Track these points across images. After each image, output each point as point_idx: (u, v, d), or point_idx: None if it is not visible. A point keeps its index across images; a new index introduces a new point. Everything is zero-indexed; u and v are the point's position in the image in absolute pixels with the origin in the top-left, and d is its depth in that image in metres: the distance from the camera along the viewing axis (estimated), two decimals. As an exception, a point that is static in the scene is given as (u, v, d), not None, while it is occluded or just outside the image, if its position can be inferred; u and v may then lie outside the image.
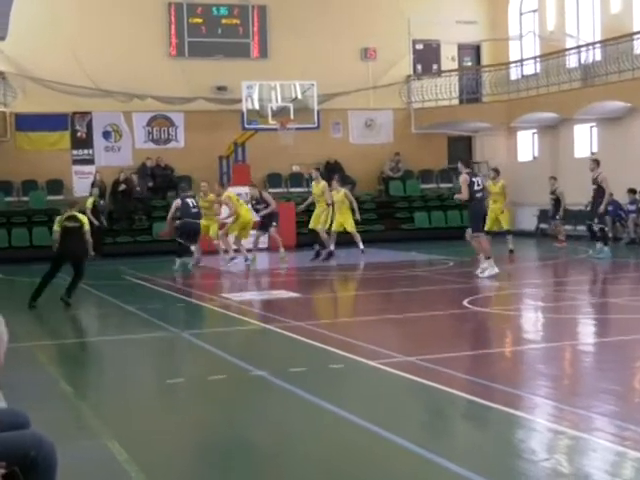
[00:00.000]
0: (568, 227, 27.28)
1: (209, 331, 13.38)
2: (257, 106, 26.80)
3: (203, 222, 22.70)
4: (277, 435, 7.39)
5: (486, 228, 21.68)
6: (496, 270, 18.59)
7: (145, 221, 29.20)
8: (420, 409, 8.45)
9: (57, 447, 4.86)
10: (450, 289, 17.58)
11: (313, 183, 24.78)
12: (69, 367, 11.08)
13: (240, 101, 27.42)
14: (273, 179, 31.54)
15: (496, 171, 24.07)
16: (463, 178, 18.92)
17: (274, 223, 23.57)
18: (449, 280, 18.57)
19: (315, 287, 19.71)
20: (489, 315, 14.13)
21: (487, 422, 7.71)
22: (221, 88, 31.02)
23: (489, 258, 18.75)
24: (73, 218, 16.28)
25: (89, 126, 30.29)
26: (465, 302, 14.91)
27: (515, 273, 20.76)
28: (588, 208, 23.84)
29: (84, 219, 16.52)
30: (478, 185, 18.99)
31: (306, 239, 25.47)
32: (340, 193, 24.23)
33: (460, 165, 19.50)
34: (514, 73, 32.50)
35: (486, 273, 18.53)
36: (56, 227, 16.39)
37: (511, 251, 23.47)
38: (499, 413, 7.70)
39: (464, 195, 18.84)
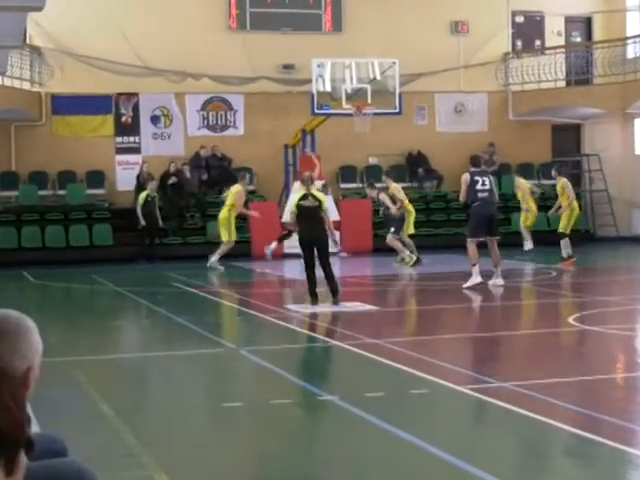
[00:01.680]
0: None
1: (271, 348, 13.45)
2: (329, 88, 26.89)
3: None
4: (349, 469, 7.42)
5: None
6: (479, 279, 18.90)
7: (198, 220, 29.35)
8: (515, 442, 8.42)
9: (98, 478, 4.95)
10: (553, 303, 17.48)
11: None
12: (110, 386, 11.22)
13: (309, 82, 27.53)
14: (346, 172, 31.58)
15: (557, 170, 24.60)
16: (463, 177, 19.58)
17: (392, 229, 23.95)
18: (552, 293, 18.46)
19: (395, 299, 19.72)
20: (599, 335, 13.99)
21: (594, 459, 7.66)
22: (288, 67, 31.15)
23: (475, 265, 19.15)
24: (309, 196, 16.38)
25: (135, 109, 30.54)
26: (571, 319, 14.82)
27: (628, 286, 20.54)
28: None
29: (322, 197, 16.70)
30: (483, 185, 19.38)
31: (382, 243, 25.29)
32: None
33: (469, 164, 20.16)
34: (631, 50, 32.13)
35: (469, 282, 19.00)
36: (293, 209, 16.58)
37: (563, 258, 23.00)
38: (608, 449, 7.64)
39: (461, 196, 19.86)
